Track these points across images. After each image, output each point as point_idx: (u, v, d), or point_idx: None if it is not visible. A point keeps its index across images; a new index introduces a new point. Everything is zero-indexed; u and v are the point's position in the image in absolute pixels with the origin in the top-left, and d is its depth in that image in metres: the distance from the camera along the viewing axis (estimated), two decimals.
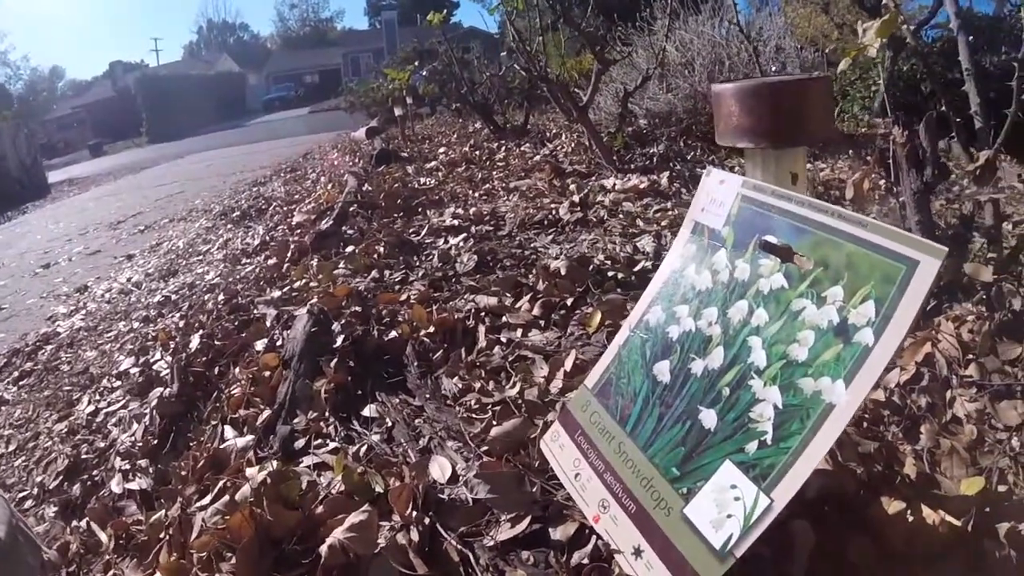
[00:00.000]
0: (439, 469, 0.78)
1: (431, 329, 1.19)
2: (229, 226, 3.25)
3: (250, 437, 0.99)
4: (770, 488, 0.54)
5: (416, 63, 6.50)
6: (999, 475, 0.71)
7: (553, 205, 2.02)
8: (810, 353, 0.56)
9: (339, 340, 1.12)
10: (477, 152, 3.48)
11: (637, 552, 0.62)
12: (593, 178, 2.42)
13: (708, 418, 0.62)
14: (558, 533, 0.67)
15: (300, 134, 10.16)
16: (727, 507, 0.56)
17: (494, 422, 0.85)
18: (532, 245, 1.70)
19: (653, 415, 0.67)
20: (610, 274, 1.35)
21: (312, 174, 3.94)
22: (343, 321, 1.19)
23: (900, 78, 2.89)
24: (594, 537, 0.66)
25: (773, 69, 2.66)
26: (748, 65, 2.64)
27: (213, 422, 1.15)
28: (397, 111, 4.67)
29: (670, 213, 1.79)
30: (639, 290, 1.27)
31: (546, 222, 1.88)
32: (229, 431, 1.07)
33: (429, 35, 10.32)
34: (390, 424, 0.92)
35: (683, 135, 2.69)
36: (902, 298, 0.51)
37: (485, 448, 0.81)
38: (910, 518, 0.65)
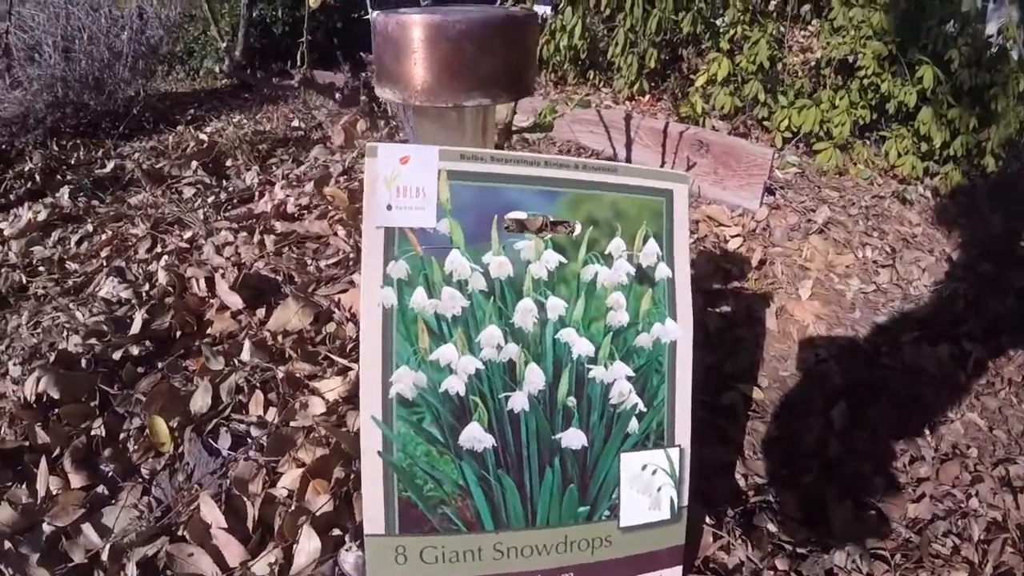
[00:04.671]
0: None
1: None
2: None
3: None
4: (671, 441, 0.55)
5: None
6: None
7: None
8: (630, 312, 0.53)
9: None
10: None
11: None
12: None
13: (574, 438, 0.53)
14: None
15: None
16: (652, 485, 0.55)
17: None
18: None
19: (509, 488, 0.51)
20: (117, 356, 0.85)
21: None
22: None
23: (252, 24, 2.77)
24: None
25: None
26: (109, 32, 2.02)
27: None
28: None
29: (99, 237, 1.20)
30: (158, 359, 0.85)
31: None
32: None
33: None
34: None
35: (52, 136, 1.86)
36: (674, 225, 0.54)
37: None
38: None
